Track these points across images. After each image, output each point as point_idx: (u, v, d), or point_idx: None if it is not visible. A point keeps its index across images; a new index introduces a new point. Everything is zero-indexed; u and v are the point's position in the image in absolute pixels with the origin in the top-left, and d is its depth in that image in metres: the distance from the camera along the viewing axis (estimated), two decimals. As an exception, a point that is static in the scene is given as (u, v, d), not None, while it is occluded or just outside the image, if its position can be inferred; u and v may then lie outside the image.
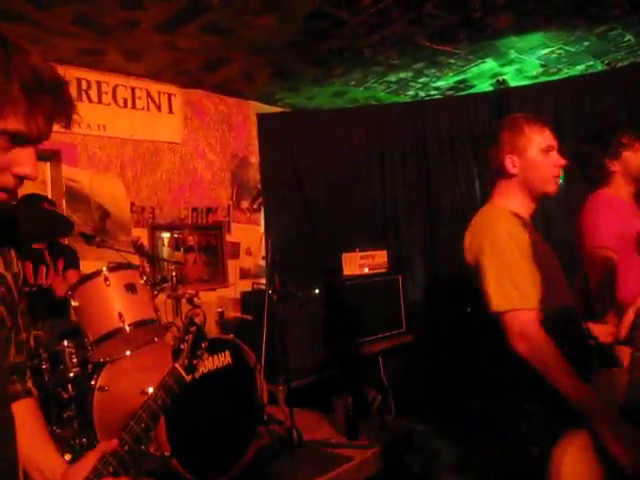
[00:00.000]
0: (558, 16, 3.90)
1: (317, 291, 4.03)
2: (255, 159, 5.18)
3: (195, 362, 1.31)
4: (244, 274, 4.98)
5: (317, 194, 4.90)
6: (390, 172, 4.93)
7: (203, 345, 1.34)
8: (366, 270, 4.23)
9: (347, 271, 4.19)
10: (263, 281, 4.78)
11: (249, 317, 3.75)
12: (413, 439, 3.94)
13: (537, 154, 1.83)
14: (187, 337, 1.32)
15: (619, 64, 4.84)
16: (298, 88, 5.00)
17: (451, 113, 4.84)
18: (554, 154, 1.85)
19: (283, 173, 4.95)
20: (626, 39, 4.39)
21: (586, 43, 4.42)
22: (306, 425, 3.22)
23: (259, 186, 5.15)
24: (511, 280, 1.69)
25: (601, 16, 3.95)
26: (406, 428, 3.83)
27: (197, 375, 2.51)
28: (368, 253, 4.28)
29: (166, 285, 3.08)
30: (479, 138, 4.75)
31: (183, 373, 1.28)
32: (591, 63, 4.86)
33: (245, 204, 5.11)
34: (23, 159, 0.97)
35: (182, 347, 1.30)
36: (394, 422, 4.06)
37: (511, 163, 1.84)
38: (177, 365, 1.28)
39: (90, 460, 1.13)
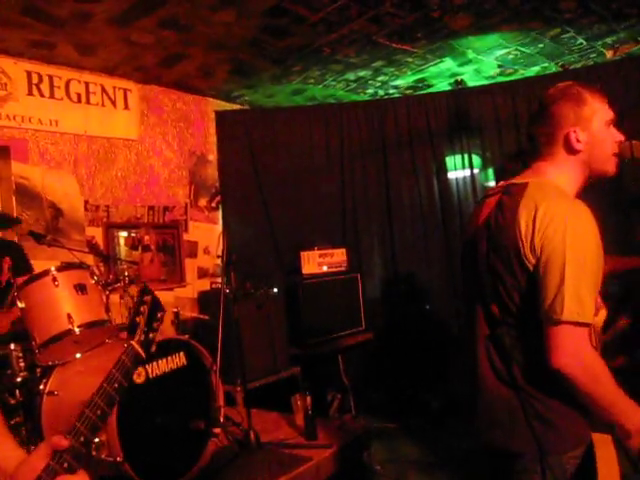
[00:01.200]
0: (514, 18, 3.96)
1: (275, 290, 3.99)
2: (213, 157, 5.11)
3: (152, 336, 1.21)
4: (202, 273, 4.91)
5: (276, 192, 4.87)
6: (349, 170, 4.93)
7: (159, 315, 1.25)
8: (325, 268, 4.22)
9: (306, 270, 4.17)
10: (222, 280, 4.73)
11: (206, 317, 3.68)
12: (372, 438, 3.95)
13: (602, 127, 1.59)
14: (142, 308, 1.22)
15: (572, 66, 4.95)
16: (257, 85, 4.95)
17: (410, 112, 4.87)
18: (614, 129, 1.62)
19: (242, 171, 4.90)
20: (578, 42, 4.50)
21: (541, 45, 4.51)
22: (264, 426, 3.18)
23: (217, 184, 5.08)
24: (587, 287, 1.39)
25: (555, 19, 4.02)
26: (366, 427, 3.83)
27: (154, 374, 2.44)
28: (327, 251, 4.27)
29: (118, 285, 3.00)
30: (437, 136, 4.80)
31: (140, 350, 1.19)
32: (546, 65, 4.96)
33: (203, 202, 5.03)
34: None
35: (138, 320, 1.20)
36: (354, 421, 4.06)
37: (576, 137, 1.56)
38: (133, 342, 1.18)
39: (41, 455, 1.05)
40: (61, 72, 4.19)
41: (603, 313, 1.65)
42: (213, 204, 5.08)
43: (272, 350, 3.83)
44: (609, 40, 4.51)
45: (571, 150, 1.57)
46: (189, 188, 4.95)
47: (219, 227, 5.01)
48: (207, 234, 4.98)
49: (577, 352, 1.36)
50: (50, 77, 4.14)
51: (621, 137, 1.61)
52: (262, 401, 3.47)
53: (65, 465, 1.04)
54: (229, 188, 4.92)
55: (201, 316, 3.80)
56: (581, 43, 4.54)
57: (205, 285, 4.78)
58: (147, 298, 1.24)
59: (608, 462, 1.41)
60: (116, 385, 1.13)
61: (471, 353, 1.64)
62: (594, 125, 1.57)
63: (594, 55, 4.81)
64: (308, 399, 3.03)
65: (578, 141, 1.56)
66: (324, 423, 3.27)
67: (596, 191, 1.73)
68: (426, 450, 3.95)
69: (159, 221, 4.70)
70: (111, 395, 1.11)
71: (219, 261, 4.87)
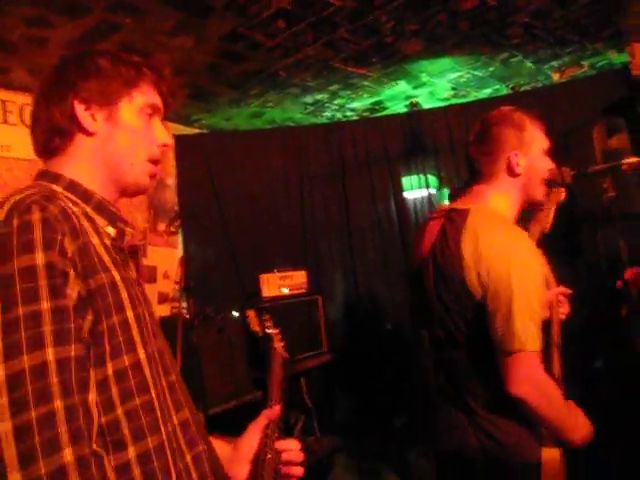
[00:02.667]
0: (465, 43, 4.10)
1: (236, 314, 3.97)
2: (172, 181, 5.08)
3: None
4: (162, 298, 4.86)
5: (236, 215, 4.87)
6: (309, 192, 4.96)
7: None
8: (285, 291, 4.21)
9: (266, 292, 4.16)
10: (184, 305, 4.68)
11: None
12: (336, 458, 3.95)
13: (539, 154, 1.65)
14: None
15: (522, 88, 5.12)
16: (215, 109, 4.97)
17: (367, 134, 4.95)
18: (548, 157, 1.69)
19: (201, 195, 4.88)
20: (526, 65, 4.67)
21: (491, 68, 4.66)
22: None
23: (176, 208, 5.05)
24: (533, 316, 1.42)
25: (503, 44, 4.17)
26: (329, 448, 3.83)
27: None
28: (287, 274, 4.27)
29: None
30: (393, 158, 4.89)
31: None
32: (497, 87, 5.12)
33: (162, 227, 5.00)
34: (161, 129, 1.13)
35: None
36: (317, 443, 4.05)
37: (516, 161, 1.60)
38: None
39: (255, 432, 1.23)
40: (15, 97, 4.13)
41: (566, 307, 1.71)
42: (172, 228, 5.04)
43: (233, 374, 3.80)
44: (555, 64, 4.69)
45: (512, 173, 1.62)
46: (148, 212, 4.91)
47: (179, 251, 4.98)
48: (166, 259, 4.94)
49: (531, 379, 1.41)
50: (3, 102, 4.08)
51: (552, 166, 1.67)
52: (224, 427, 3.44)
53: (276, 434, 1.21)
54: (188, 212, 4.90)
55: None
56: (529, 66, 4.71)
57: (165, 310, 4.73)
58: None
59: (554, 477, 1.45)
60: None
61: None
62: (533, 151, 1.64)
63: (542, 77, 5.00)
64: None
65: (518, 165, 1.61)
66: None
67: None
68: (390, 468, 3.97)
69: (118, 246, 4.63)
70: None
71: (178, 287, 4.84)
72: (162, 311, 4.71)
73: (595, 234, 2.76)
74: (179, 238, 5.04)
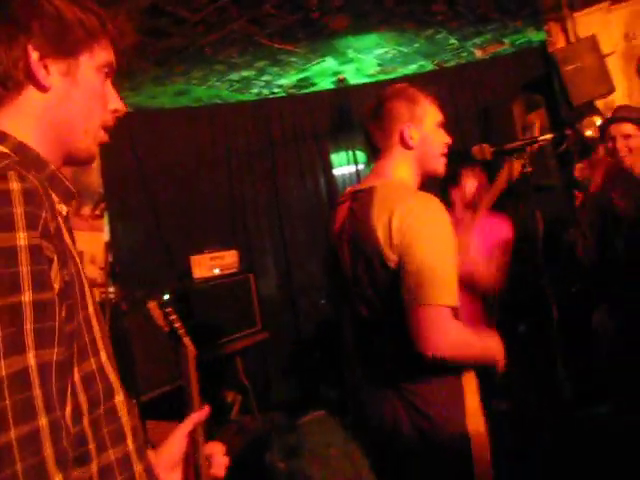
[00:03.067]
0: (390, 19, 4.12)
1: (167, 297, 3.90)
2: (96, 162, 4.90)
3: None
4: (90, 285, 4.70)
5: (164, 196, 4.75)
6: (237, 171, 4.91)
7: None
8: (217, 271, 4.17)
9: (197, 274, 4.11)
10: (111, 290, 4.56)
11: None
12: (275, 435, 3.98)
13: (432, 127, 1.67)
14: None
15: (446, 64, 5.22)
16: (139, 87, 4.81)
17: (295, 111, 4.92)
18: (443, 131, 1.72)
19: (127, 176, 4.73)
20: (451, 42, 4.75)
21: (417, 45, 4.71)
22: (161, 437, 3.11)
23: (101, 190, 4.88)
24: (450, 273, 1.47)
25: (428, 21, 4.23)
26: (267, 426, 3.85)
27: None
28: (218, 254, 4.22)
29: None
30: (322, 134, 4.90)
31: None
32: (422, 63, 5.19)
33: (86, 210, 4.81)
34: (114, 94, 1.00)
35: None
36: (254, 422, 4.07)
37: (409, 134, 1.63)
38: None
39: (180, 438, 1.12)
40: None
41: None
42: (97, 212, 4.87)
43: (166, 359, 3.74)
44: (477, 41, 4.80)
45: (406, 146, 1.66)
46: (70, 196, 4.71)
47: (105, 235, 4.82)
48: (92, 243, 4.76)
49: (446, 331, 1.44)
50: None
51: (448, 139, 1.72)
52: (158, 412, 3.39)
53: (203, 438, 1.13)
54: (114, 194, 4.74)
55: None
56: (453, 43, 4.79)
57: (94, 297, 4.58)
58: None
59: (472, 393, 1.58)
60: None
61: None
62: (426, 124, 1.67)
63: (465, 54, 5.10)
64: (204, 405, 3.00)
65: (411, 138, 1.65)
66: (224, 428, 3.26)
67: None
68: (329, 440, 4.03)
69: (39, 231, 4.44)
70: None
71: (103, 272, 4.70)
72: (90, 297, 4.56)
73: (517, 207, 2.88)
74: (105, 222, 4.87)
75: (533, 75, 4.39)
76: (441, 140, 1.70)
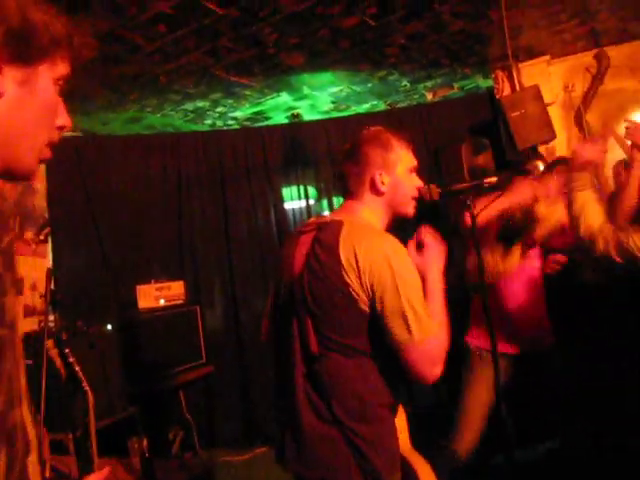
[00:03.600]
0: (345, 59, 4.22)
1: (110, 327, 3.79)
2: (41, 186, 4.76)
3: None
4: (29, 312, 4.52)
5: (111, 224, 4.66)
6: (187, 201, 4.87)
7: None
8: (162, 302, 4.09)
9: (142, 304, 4.01)
10: (51, 319, 4.39)
11: (28, 362, 3.39)
12: (216, 472, 3.87)
13: (404, 173, 1.74)
14: None
15: (398, 105, 5.37)
16: (91, 112, 4.74)
17: (247, 143, 4.95)
18: (415, 175, 1.79)
19: (73, 201, 4.62)
20: (403, 84, 4.90)
21: (370, 85, 4.83)
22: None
23: (46, 215, 4.74)
24: (422, 306, 1.54)
25: (381, 63, 4.35)
26: (208, 463, 3.75)
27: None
28: (164, 284, 4.15)
29: None
30: (274, 168, 4.92)
31: None
32: (375, 102, 5.32)
33: (29, 235, 4.66)
34: (63, 109, 0.92)
35: None
36: (196, 458, 3.96)
37: (381, 180, 1.68)
38: None
39: None
40: None
41: None
42: (41, 236, 4.72)
43: (107, 390, 3.61)
44: (429, 84, 4.97)
45: (376, 191, 1.71)
46: (14, 219, 4.56)
47: (48, 261, 4.67)
48: (34, 269, 4.60)
49: (433, 360, 1.53)
50: None
51: (420, 183, 1.78)
52: (99, 446, 3.26)
53: None
54: (59, 219, 4.61)
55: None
56: (405, 85, 4.94)
57: (32, 325, 4.40)
58: None
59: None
60: None
61: (287, 393, 1.66)
62: (398, 170, 1.72)
63: (417, 96, 5.27)
64: (144, 441, 2.91)
65: (382, 183, 1.70)
66: (165, 464, 3.15)
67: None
68: (272, 477, 3.95)
69: (-23, 255, 4.26)
70: None
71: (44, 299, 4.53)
72: (28, 326, 4.38)
73: (463, 247, 2.95)
74: (48, 247, 4.73)
75: (480, 119, 4.56)
76: (413, 184, 1.76)
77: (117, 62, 3.84)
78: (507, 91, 4.46)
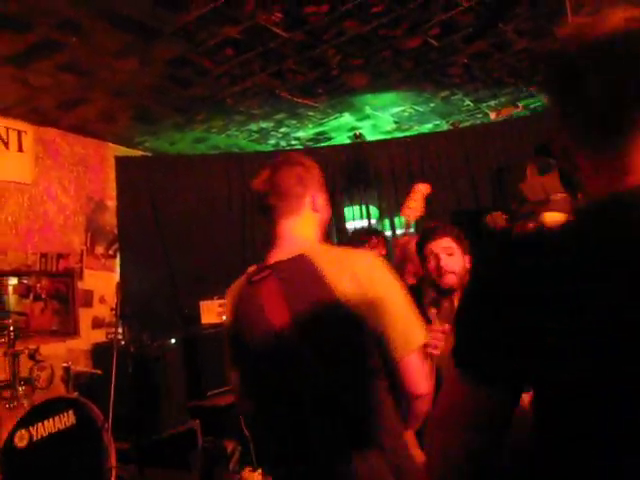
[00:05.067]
0: (408, 79, 4.23)
1: (173, 341, 3.89)
2: (112, 203, 4.98)
3: None
4: (97, 324, 4.71)
5: (177, 240, 4.80)
6: (250, 220, 4.95)
7: None
8: (225, 318, 4.16)
9: (205, 319, 4.11)
10: (120, 331, 4.56)
11: (98, 372, 3.52)
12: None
13: (325, 196, 1.81)
14: None
15: (461, 124, 5.32)
16: (159, 132, 4.93)
17: (310, 163, 4.98)
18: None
19: (141, 218, 4.80)
20: (466, 104, 4.86)
21: (433, 105, 4.82)
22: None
23: (115, 231, 4.94)
24: (415, 312, 1.57)
25: (444, 83, 4.34)
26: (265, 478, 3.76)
27: (39, 436, 2.30)
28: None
29: (2, 340, 2.82)
30: (336, 188, 4.94)
31: None
32: (438, 122, 5.30)
33: (100, 250, 4.87)
34: None
35: None
36: (252, 474, 3.98)
37: (318, 200, 1.75)
38: None
39: None
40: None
41: None
42: (110, 252, 4.93)
43: (169, 403, 3.71)
44: (492, 103, 4.91)
45: (315, 209, 1.75)
46: (85, 235, 4.78)
47: (116, 275, 4.86)
48: (103, 283, 4.81)
49: (424, 366, 1.57)
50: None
51: (329, 208, 1.84)
52: (158, 458, 3.34)
53: None
54: (128, 235, 4.80)
55: (93, 371, 3.62)
56: (468, 104, 4.90)
57: (100, 336, 4.58)
58: None
59: None
60: None
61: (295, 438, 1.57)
62: (322, 193, 1.78)
63: (480, 116, 5.21)
64: (205, 454, 2.96)
65: (318, 203, 1.75)
66: (224, 478, 3.19)
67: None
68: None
69: (52, 269, 4.49)
70: None
71: (113, 314, 4.71)
72: (97, 337, 4.56)
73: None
74: (117, 262, 4.92)
75: (546, 138, 4.46)
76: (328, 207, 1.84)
77: (186, 85, 3.99)
78: (575, 110, 4.35)
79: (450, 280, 2.31)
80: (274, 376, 1.62)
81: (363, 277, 1.52)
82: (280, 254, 1.65)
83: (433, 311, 2.26)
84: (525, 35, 3.66)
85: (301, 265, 1.58)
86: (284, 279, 1.59)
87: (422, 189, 2.94)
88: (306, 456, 1.56)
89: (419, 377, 1.52)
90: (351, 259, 1.58)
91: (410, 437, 1.67)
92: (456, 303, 2.38)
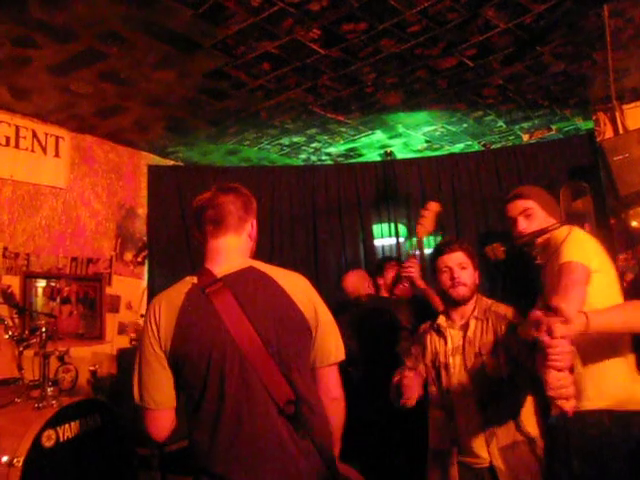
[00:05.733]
0: (441, 99, 4.24)
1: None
2: (143, 211, 5.05)
3: None
4: (123, 329, 4.77)
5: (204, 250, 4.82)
6: (278, 233, 4.95)
7: None
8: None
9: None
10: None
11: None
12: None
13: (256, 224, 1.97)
14: None
15: (493, 146, 5.30)
16: (192, 143, 5.00)
17: (340, 179, 4.99)
18: None
19: (171, 227, 4.84)
20: (498, 125, 4.84)
21: (465, 125, 4.81)
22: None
23: (145, 238, 5.00)
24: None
25: (478, 103, 4.33)
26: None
27: (65, 437, 2.32)
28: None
29: (34, 340, 2.87)
30: (365, 204, 4.93)
31: None
32: (469, 143, 5.28)
33: (129, 256, 4.94)
34: None
35: None
36: None
37: (254, 228, 1.95)
38: None
39: None
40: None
41: None
42: (139, 259, 4.99)
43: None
44: (525, 125, 4.88)
45: (251, 237, 1.91)
46: (115, 241, 4.85)
47: (144, 282, 4.91)
48: (131, 289, 4.87)
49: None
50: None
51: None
52: (179, 465, 3.34)
53: None
54: (157, 243, 4.85)
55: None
56: (501, 126, 4.88)
57: (125, 342, 4.63)
58: None
59: None
60: None
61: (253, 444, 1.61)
62: (255, 220, 1.92)
63: (512, 137, 5.18)
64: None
65: (253, 233, 1.92)
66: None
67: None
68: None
69: (81, 273, 4.56)
70: None
71: (141, 320, 4.75)
72: (122, 342, 4.61)
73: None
74: (145, 269, 4.97)
75: (579, 162, 4.42)
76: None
77: (221, 98, 4.05)
78: (609, 134, 4.30)
79: (462, 292, 2.42)
80: (241, 388, 1.62)
81: (308, 292, 1.81)
82: (223, 267, 1.77)
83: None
84: (563, 58, 3.64)
85: (254, 276, 1.74)
86: (239, 291, 1.69)
87: (434, 207, 3.06)
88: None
89: (338, 384, 1.81)
90: (292, 275, 1.84)
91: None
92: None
